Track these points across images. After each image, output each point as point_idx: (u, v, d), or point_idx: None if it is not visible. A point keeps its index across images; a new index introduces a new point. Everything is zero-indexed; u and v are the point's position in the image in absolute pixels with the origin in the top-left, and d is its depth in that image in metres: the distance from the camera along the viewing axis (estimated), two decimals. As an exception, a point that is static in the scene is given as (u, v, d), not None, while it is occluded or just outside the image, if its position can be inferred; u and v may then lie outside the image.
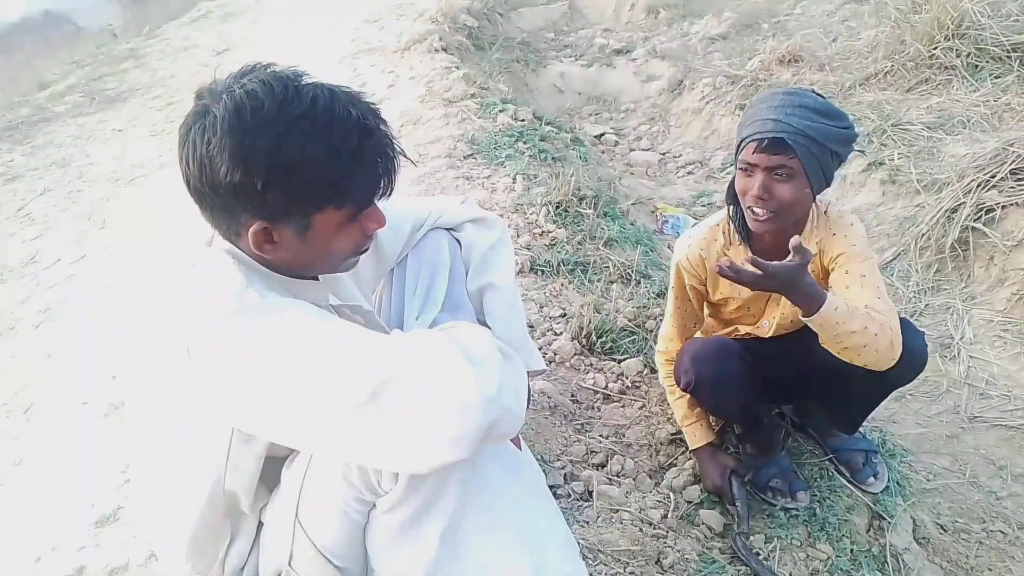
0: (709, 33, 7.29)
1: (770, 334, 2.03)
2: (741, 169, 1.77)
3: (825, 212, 1.88)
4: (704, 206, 4.67)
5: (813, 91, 1.76)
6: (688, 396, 2.07)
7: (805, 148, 1.66)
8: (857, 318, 1.68)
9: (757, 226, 1.78)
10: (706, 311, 2.16)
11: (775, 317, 2.00)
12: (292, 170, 1.07)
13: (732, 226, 1.92)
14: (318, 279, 1.33)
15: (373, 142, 1.13)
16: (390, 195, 1.20)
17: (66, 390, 3.00)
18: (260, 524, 1.29)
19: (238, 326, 1.04)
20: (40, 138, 7.26)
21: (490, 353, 1.08)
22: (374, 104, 1.18)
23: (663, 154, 5.63)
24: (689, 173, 5.21)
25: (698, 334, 2.19)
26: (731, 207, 1.90)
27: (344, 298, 1.39)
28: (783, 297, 1.96)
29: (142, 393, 1.19)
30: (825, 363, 1.90)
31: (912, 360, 1.80)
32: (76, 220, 5.14)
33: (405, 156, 1.21)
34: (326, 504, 1.16)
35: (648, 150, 5.72)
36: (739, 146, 1.77)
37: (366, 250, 1.27)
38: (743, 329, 2.10)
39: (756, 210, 1.75)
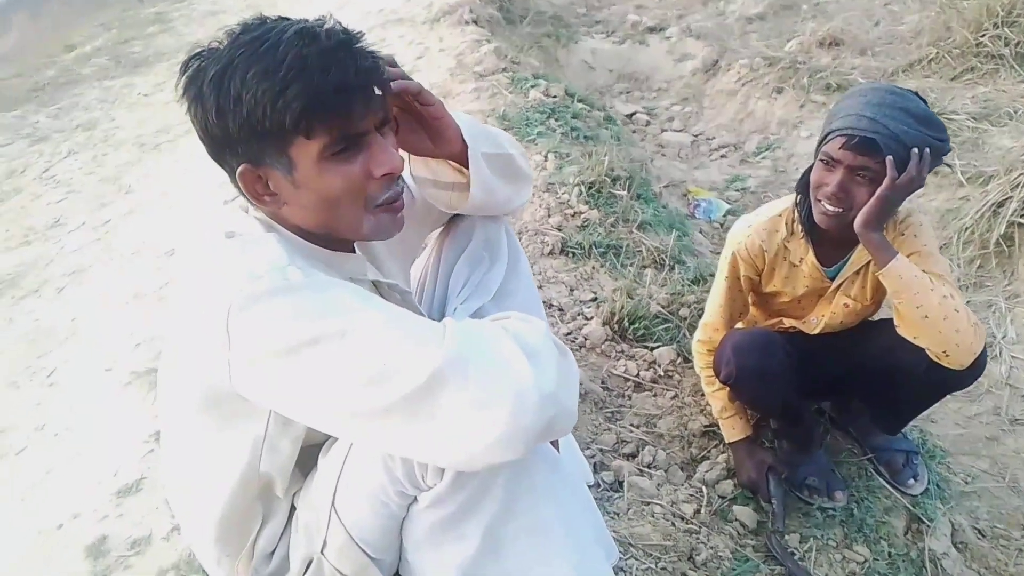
0: (746, 13, 7.12)
1: (817, 331, 1.96)
2: (822, 161, 1.70)
3: None
4: (738, 191, 4.57)
5: (916, 94, 1.66)
6: (727, 388, 2.01)
7: (895, 154, 1.58)
8: (939, 288, 1.62)
9: (824, 220, 1.71)
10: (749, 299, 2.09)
11: (824, 316, 1.93)
12: (239, 97, 1.01)
13: (796, 217, 1.85)
14: (356, 251, 1.27)
15: (317, 49, 1.01)
16: (373, 120, 1.09)
17: (89, 356, 2.98)
18: (292, 508, 1.24)
19: (281, 306, 0.98)
20: (66, 100, 7.24)
21: (547, 347, 1.02)
22: (356, 32, 1.10)
23: (696, 136, 5.51)
24: (722, 156, 5.10)
25: (739, 324, 2.12)
26: (799, 196, 1.82)
27: (377, 273, 1.33)
28: (837, 293, 1.90)
29: (176, 370, 1.14)
30: (876, 361, 1.85)
31: (976, 360, 1.72)
32: (101, 184, 5.12)
33: (381, 62, 1.10)
34: (365, 494, 1.11)
35: (680, 131, 5.60)
36: (825, 137, 1.69)
37: (392, 206, 1.16)
38: (788, 323, 2.03)
39: (827, 205, 1.68)
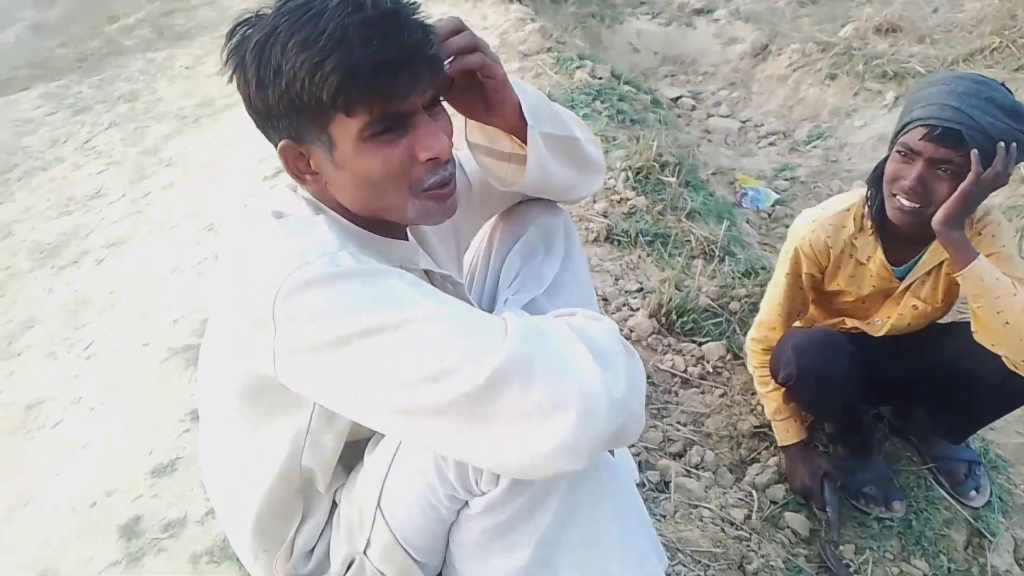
0: (798, -5, 6.91)
1: (882, 333, 1.86)
2: (899, 152, 1.59)
3: None
4: (786, 180, 4.43)
5: (1003, 85, 1.55)
6: (782, 390, 1.92)
7: (980, 147, 1.47)
8: (1021, 293, 1.52)
9: (899, 216, 1.61)
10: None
11: (891, 317, 1.83)
12: (279, 68, 0.95)
13: (866, 212, 1.74)
14: (408, 239, 1.20)
15: (360, 19, 0.93)
16: (420, 99, 1.00)
17: (127, 330, 2.96)
18: (334, 505, 1.19)
19: (331, 293, 0.91)
20: (109, 71, 7.26)
21: (616, 348, 0.94)
22: (409, 1, 1.01)
23: (743, 122, 5.37)
24: (771, 144, 4.96)
25: (796, 323, 2.02)
26: (871, 191, 1.72)
27: (429, 262, 1.25)
28: (906, 294, 1.80)
29: (218, 355, 1.08)
30: (947, 367, 1.74)
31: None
32: (142, 156, 5.11)
33: (434, 36, 1.00)
34: (414, 495, 1.04)
35: (727, 117, 5.46)
36: (903, 127, 1.58)
37: (441, 191, 1.07)
38: (850, 323, 1.93)
39: (903, 200, 1.58)
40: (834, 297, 1.90)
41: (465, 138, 1.29)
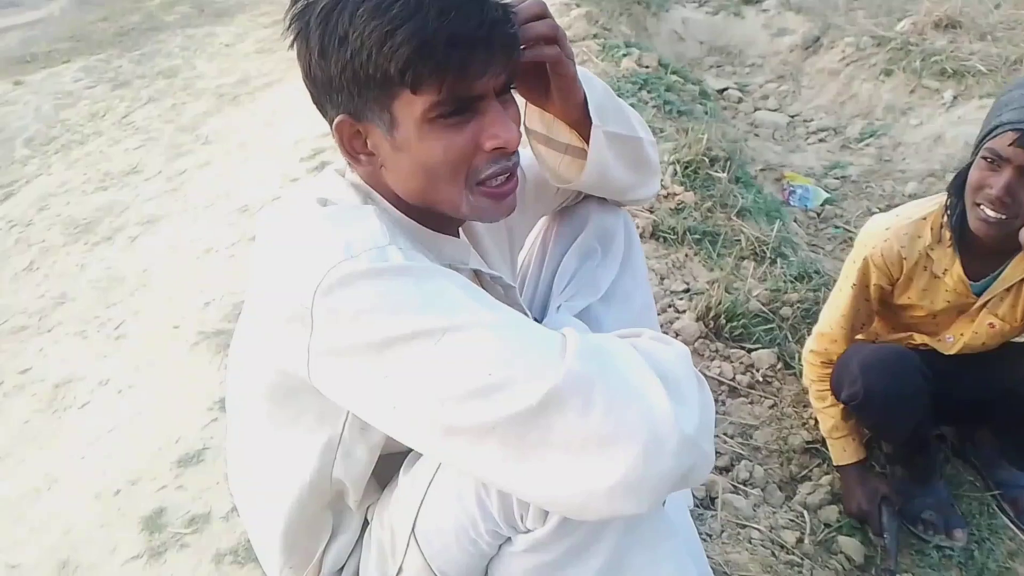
0: (851, -13, 6.69)
1: (953, 352, 1.73)
2: (985, 159, 1.46)
3: None
4: (837, 179, 4.27)
5: None
6: (841, 406, 1.80)
7: None
8: None
9: (982, 227, 1.49)
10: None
11: (964, 335, 1.71)
12: (345, 36, 0.87)
13: (945, 222, 1.61)
14: (459, 235, 1.11)
15: None
16: (492, 83, 0.91)
17: (158, 311, 2.92)
18: (365, 522, 1.10)
19: (377, 291, 0.82)
20: (149, 46, 7.26)
21: (688, 376, 0.84)
22: None
23: (792, 117, 5.19)
24: (821, 140, 4.79)
25: (859, 336, 1.90)
26: (951, 199, 1.59)
27: (480, 261, 1.16)
28: (982, 311, 1.67)
29: (250, 350, 1.00)
30: (1018, 389, 1.61)
31: None
32: (178, 133, 5.08)
33: (515, 16, 0.92)
34: (451, 525, 0.95)
35: (776, 111, 5.29)
36: (990, 131, 1.45)
37: (499, 188, 0.97)
38: (919, 339, 1.80)
39: (987, 211, 1.45)
40: (903, 311, 1.77)
41: (523, 124, 1.19)
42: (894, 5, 5.98)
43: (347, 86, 0.90)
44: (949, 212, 1.60)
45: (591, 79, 1.16)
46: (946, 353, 1.76)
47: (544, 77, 1.09)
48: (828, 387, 1.83)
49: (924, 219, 1.66)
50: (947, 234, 1.62)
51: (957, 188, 1.56)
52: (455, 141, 0.92)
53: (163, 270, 3.27)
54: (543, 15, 1.02)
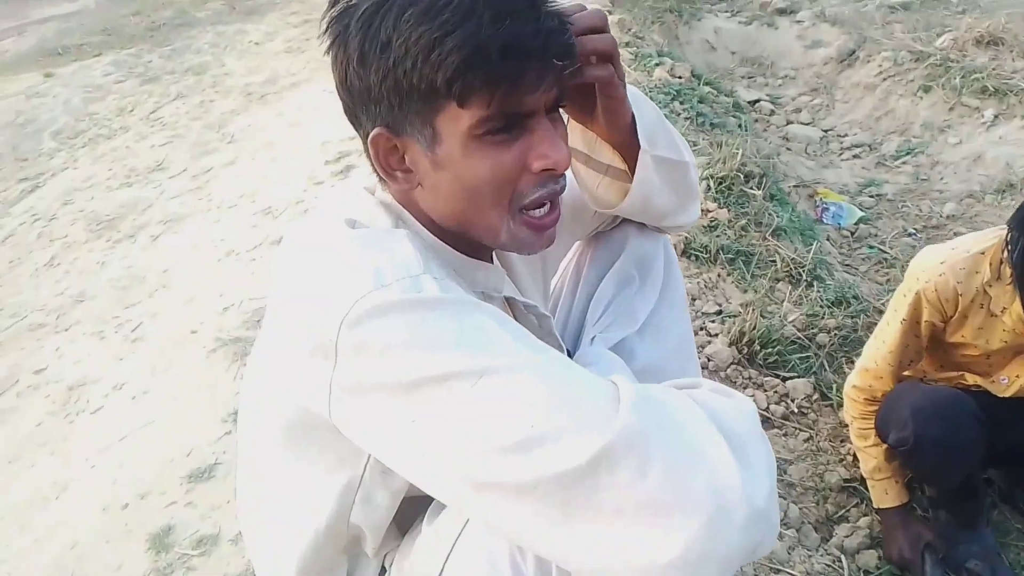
0: (888, 1, 6.57)
1: (1008, 394, 1.64)
2: None
3: None
4: (872, 197, 4.15)
5: None
6: (884, 447, 1.71)
7: None
8: None
9: None
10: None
11: (1020, 376, 1.61)
12: (388, 41, 0.80)
13: (1006, 258, 1.51)
14: (493, 261, 1.03)
15: None
16: (545, 99, 0.84)
17: (176, 314, 2.87)
18: (383, 570, 1.02)
19: (408, 325, 0.74)
20: (180, 42, 7.27)
21: (755, 436, 0.75)
22: None
23: (826, 131, 5.08)
24: (855, 157, 4.67)
25: (906, 372, 1.80)
26: (1013, 234, 1.48)
27: (514, 289, 1.08)
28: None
29: (267, 381, 0.92)
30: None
31: None
32: (205, 130, 5.06)
33: (572, 27, 0.85)
34: (481, 588, 0.87)
35: (808, 124, 5.17)
36: None
37: (542, 220, 0.90)
38: (970, 379, 1.71)
39: None
40: (954, 349, 1.67)
41: None
42: (933, 20, 5.84)
43: (387, 96, 0.83)
44: (1010, 247, 1.50)
45: (640, 100, 1.08)
46: (999, 395, 1.66)
47: (592, 94, 1.01)
48: (871, 426, 1.73)
49: (982, 253, 1.56)
50: (1007, 271, 1.52)
51: (1019, 223, 1.46)
52: (502, 160, 0.85)
53: (183, 271, 3.23)
54: (602, 28, 0.93)
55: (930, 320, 1.62)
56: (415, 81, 0.79)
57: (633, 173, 1.09)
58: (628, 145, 1.07)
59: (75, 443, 2.31)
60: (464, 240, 0.94)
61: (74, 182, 4.72)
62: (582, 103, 1.03)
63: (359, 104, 0.86)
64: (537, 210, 0.89)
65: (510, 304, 1.05)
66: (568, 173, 1.07)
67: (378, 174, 0.91)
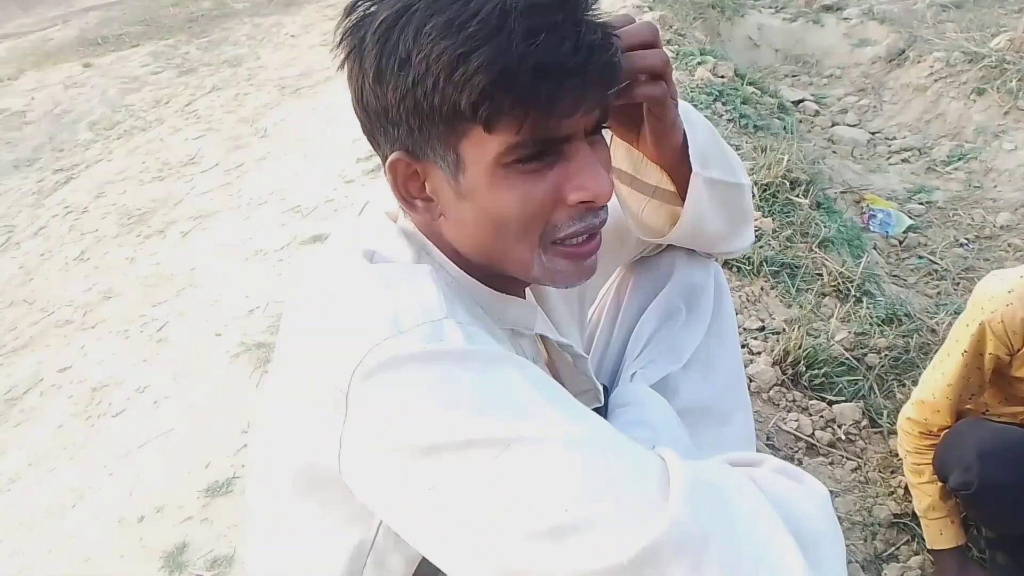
0: (939, -1, 6.35)
1: (1079, 434, 1.51)
2: None
3: None
4: (922, 204, 3.98)
5: None
6: (942, 484, 1.59)
7: None
8: None
9: None
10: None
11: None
12: (407, 57, 0.71)
13: None
14: (525, 295, 0.93)
15: (527, 5, 0.68)
16: (584, 122, 0.74)
17: (202, 314, 2.83)
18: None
19: (427, 381, 0.66)
20: (217, 34, 7.27)
21: (828, 532, 0.65)
22: None
23: (873, 133, 4.90)
24: (904, 161, 4.49)
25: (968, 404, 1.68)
26: None
27: (549, 325, 0.98)
28: None
29: (276, 427, 0.84)
30: None
31: None
32: (238, 124, 5.03)
33: (617, 40, 0.75)
34: None
35: (855, 126, 5.00)
36: None
37: (579, 248, 0.80)
38: (1038, 415, 1.58)
39: None
40: (1020, 383, 1.55)
41: None
42: (988, 19, 5.62)
43: (406, 118, 0.74)
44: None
45: (692, 116, 0.98)
46: (1070, 434, 1.54)
47: (639, 111, 0.91)
48: (927, 461, 1.61)
49: (1054, 283, 1.43)
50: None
51: None
52: (533, 191, 0.75)
53: (211, 270, 3.19)
54: (653, 43, 0.83)
55: (995, 353, 1.49)
56: (436, 102, 0.70)
57: (682, 195, 0.99)
58: (678, 167, 0.97)
59: (95, 448, 2.27)
60: (493, 272, 0.84)
61: (107, 175, 4.72)
62: (628, 121, 0.93)
63: (376, 125, 0.78)
64: (575, 238, 0.79)
65: (543, 340, 0.95)
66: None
67: (397, 199, 0.82)
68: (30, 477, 2.25)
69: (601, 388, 1.03)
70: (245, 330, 2.55)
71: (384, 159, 0.79)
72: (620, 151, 1.01)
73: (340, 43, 0.77)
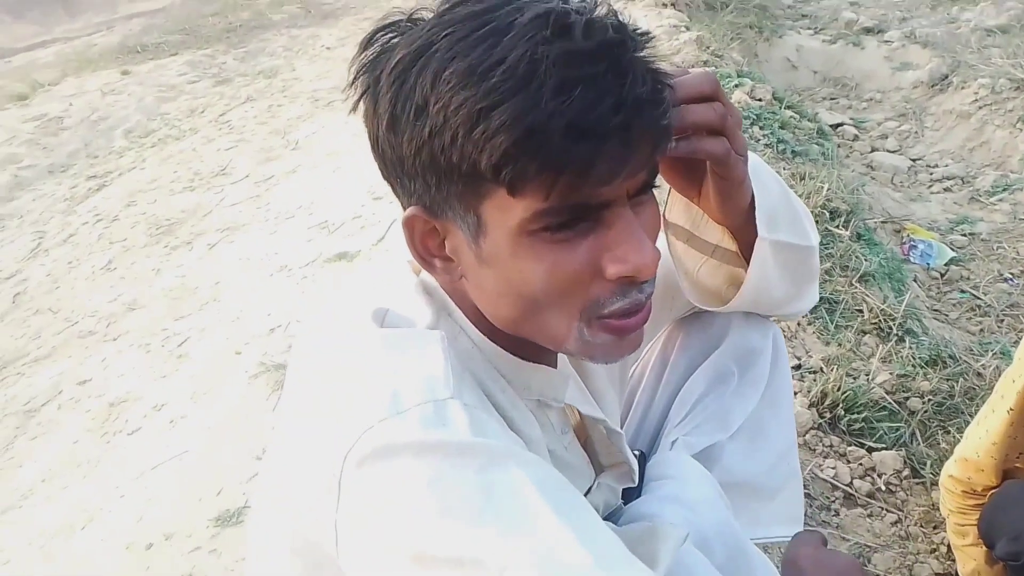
0: (984, 23, 6.20)
1: None
2: None
3: None
4: (964, 236, 3.85)
5: None
6: (988, 549, 1.49)
7: None
8: None
9: None
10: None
11: None
12: (423, 105, 0.62)
13: None
14: (557, 362, 0.84)
15: (562, 51, 0.59)
16: (627, 186, 0.65)
17: (223, 331, 2.79)
18: None
19: (421, 476, 0.59)
20: (254, 44, 7.32)
21: None
22: (636, 29, 0.66)
23: (914, 160, 4.78)
24: (947, 190, 4.37)
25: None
26: None
27: (584, 395, 0.89)
28: None
29: (275, 493, 0.77)
30: None
31: None
32: (270, 136, 5.03)
33: (669, 92, 0.66)
34: None
35: (895, 152, 4.88)
36: None
37: (624, 322, 0.70)
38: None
39: None
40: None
41: (663, 215, 0.93)
42: (1035, 46, 5.48)
43: (422, 173, 0.66)
44: None
45: (763, 174, 0.88)
46: None
47: (702, 166, 0.83)
48: (971, 522, 1.51)
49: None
50: None
51: None
52: (563, 263, 0.66)
53: (235, 284, 3.16)
54: (712, 96, 0.75)
55: None
56: (455, 159, 0.62)
57: (745, 254, 0.90)
58: (745, 230, 0.88)
59: (109, 467, 2.24)
60: (519, 340, 0.76)
61: (139, 183, 4.74)
62: (689, 175, 0.85)
63: (392, 175, 0.70)
64: (621, 317, 0.70)
65: (575, 411, 0.88)
66: (661, 244, 0.87)
67: (416, 260, 0.75)
68: (42, 494, 2.22)
69: (636, 464, 0.94)
70: (265, 349, 2.51)
71: (403, 208, 0.72)
72: (678, 205, 0.93)
73: (353, 81, 0.69)
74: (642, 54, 0.64)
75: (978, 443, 1.51)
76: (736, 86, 4.07)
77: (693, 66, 4.34)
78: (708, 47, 4.77)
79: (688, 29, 5.07)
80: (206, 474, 2.00)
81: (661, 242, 0.91)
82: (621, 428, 0.97)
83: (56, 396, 2.70)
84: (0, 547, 2.07)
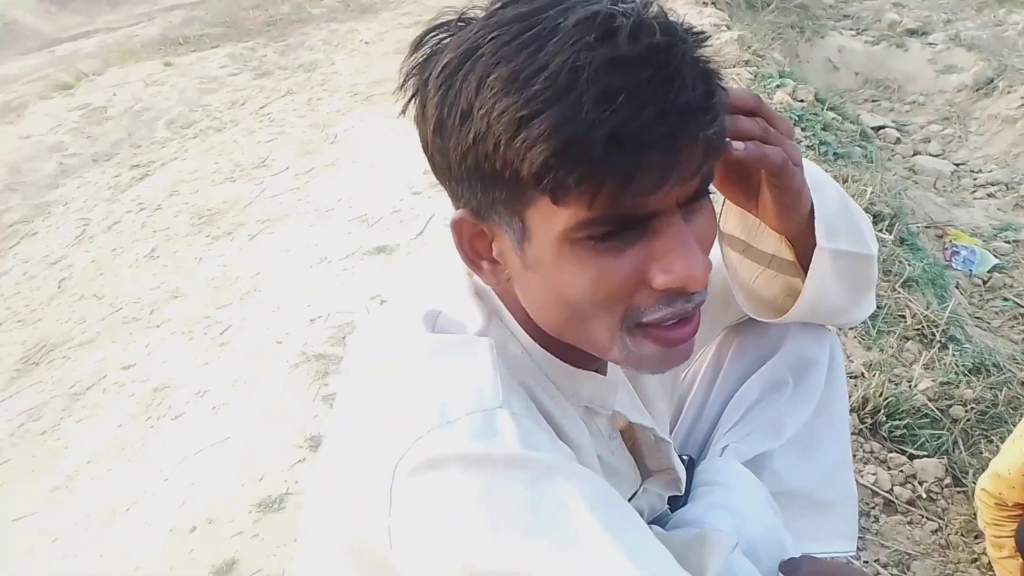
0: (1031, 26, 6.10)
1: None
2: None
3: None
4: (1009, 243, 3.79)
5: None
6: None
7: None
8: None
9: None
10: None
11: None
12: (468, 109, 0.61)
13: None
14: (607, 369, 0.83)
15: (606, 57, 0.57)
16: (677, 195, 0.63)
17: (264, 321, 2.83)
18: None
19: (471, 489, 0.60)
20: (294, 38, 7.38)
21: None
22: (687, 29, 0.63)
23: (957, 165, 4.70)
24: (991, 196, 4.30)
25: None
26: None
27: (634, 402, 0.89)
28: None
29: (329, 496, 0.77)
30: None
31: None
32: (310, 129, 5.07)
33: (722, 93, 0.64)
34: None
35: (938, 156, 4.81)
36: None
37: (670, 333, 0.68)
38: None
39: None
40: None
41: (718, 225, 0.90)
42: (1084, 50, 5.37)
43: (468, 178, 0.65)
44: None
45: (821, 182, 0.86)
46: None
47: (757, 175, 0.82)
48: (1007, 534, 1.50)
49: None
50: None
51: None
52: (608, 272, 0.64)
53: (275, 275, 3.19)
54: (755, 111, 0.75)
55: None
56: (498, 166, 0.61)
57: (803, 263, 0.88)
58: (803, 239, 0.87)
59: (152, 451, 2.28)
60: (569, 345, 0.76)
61: (182, 173, 4.80)
62: (742, 185, 0.84)
63: (442, 178, 0.70)
64: (668, 328, 0.69)
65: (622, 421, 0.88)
66: (715, 257, 0.86)
67: (464, 263, 0.75)
68: (86, 476, 2.27)
69: (683, 473, 0.94)
70: (306, 340, 2.54)
71: (455, 209, 0.73)
72: (733, 215, 0.91)
73: (403, 84, 0.68)
74: (696, 55, 0.62)
75: (1012, 462, 1.50)
76: (778, 87, 4.04)
77: (734, 65, 4.31)
78: (749, 47, 4.73)
79: (729, 28, 5.03)
80: (248, 460, 2.03)
81: (715, 252, 0.89)
82: (671, 433, 0.97)
83: (101, 380, 2.75)
84: (47, 526, 2.13)
